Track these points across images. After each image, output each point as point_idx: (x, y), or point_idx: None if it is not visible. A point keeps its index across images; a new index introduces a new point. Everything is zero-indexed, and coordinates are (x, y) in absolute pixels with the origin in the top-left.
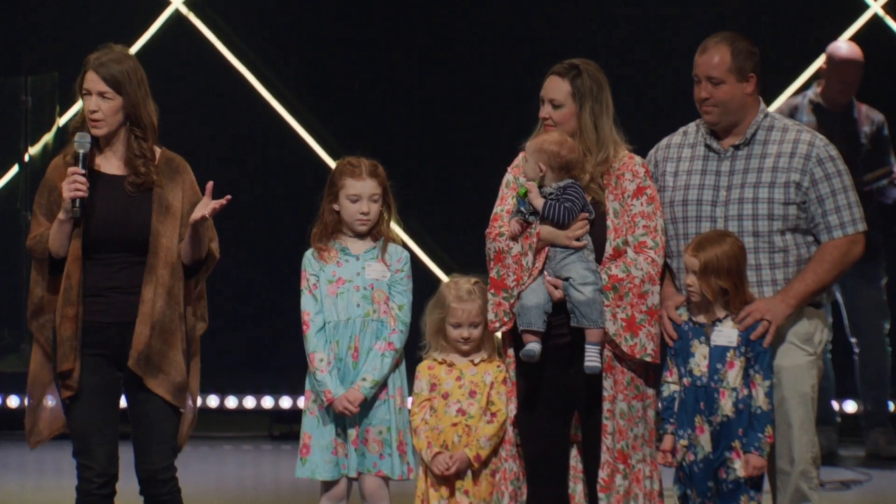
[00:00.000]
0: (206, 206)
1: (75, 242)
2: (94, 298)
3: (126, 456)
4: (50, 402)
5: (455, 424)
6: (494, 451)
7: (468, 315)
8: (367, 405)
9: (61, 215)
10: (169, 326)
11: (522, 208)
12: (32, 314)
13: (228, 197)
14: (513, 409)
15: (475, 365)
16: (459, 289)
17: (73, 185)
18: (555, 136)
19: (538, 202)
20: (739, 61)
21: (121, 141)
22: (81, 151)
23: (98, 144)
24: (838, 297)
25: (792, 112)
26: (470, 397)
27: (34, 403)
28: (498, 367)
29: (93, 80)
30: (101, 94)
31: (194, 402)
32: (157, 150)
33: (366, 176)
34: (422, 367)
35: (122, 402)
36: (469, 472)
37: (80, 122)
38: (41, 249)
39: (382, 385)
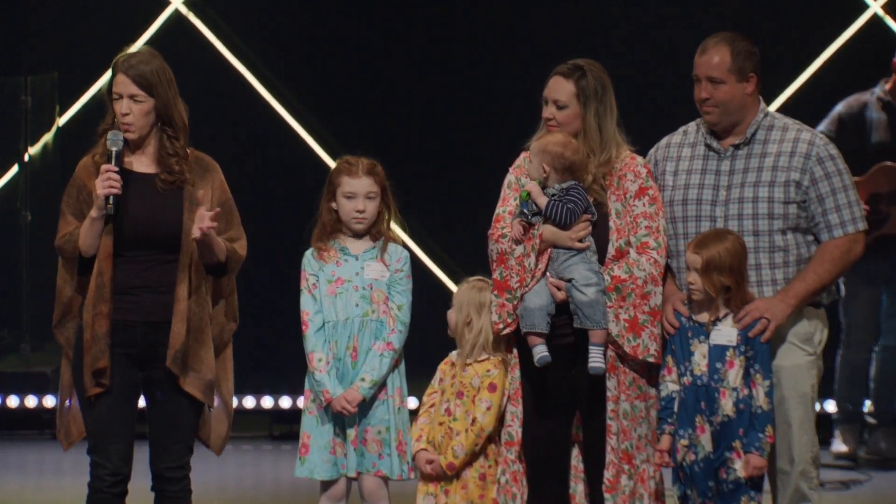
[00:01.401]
0: (201, 221)
1: (106, 240)
2: (122, 297)
3: (139, 453)
4: (78, 403)
5: (441, 424)
6: (473, 460)
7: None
8: (365, 405)
9: (94, 213)
10: (200, 325)
11: (525, 209)
12: (61, 315)
13: (218, 210)
14: (520, 411)
15: (468, 365)
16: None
17: (108, 182)
18: (559, 137)
19: (541, 201)
20: (739, 61)
21: (152, 140)
22: (114, 149)
23: (128, 144)
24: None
25: (861, 108)
26: (457, 398)
27: (65, 405)
28: (488, 371)
29: (123, 83)
30: (133, 97)
31: (228, 403)
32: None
33: (362, 174)
34: (442, 362)
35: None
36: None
37: (111, 124)
38: (71, 248)
39: (381, 385)
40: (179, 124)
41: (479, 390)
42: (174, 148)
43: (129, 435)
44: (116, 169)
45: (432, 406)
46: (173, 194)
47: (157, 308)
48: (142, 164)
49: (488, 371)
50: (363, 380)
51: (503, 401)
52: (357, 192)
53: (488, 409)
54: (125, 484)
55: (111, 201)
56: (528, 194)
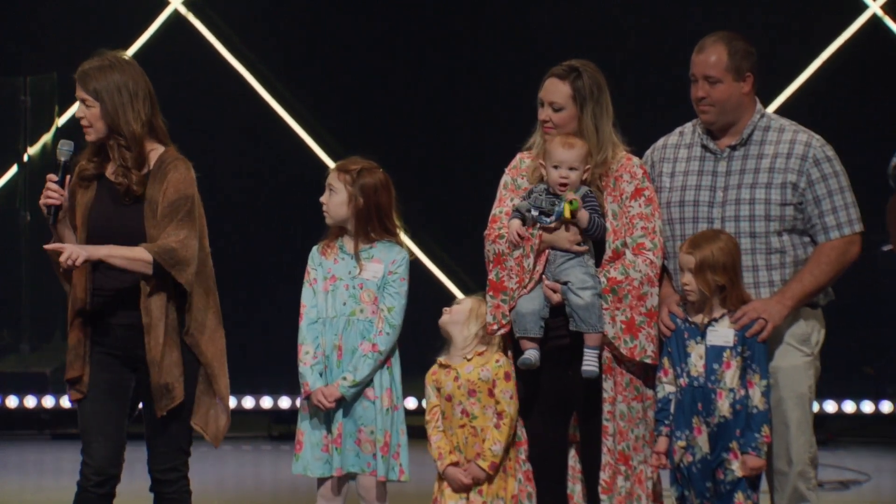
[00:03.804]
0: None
1: None
2: (103, 300)
3: (141, 453)
4: None
5: (462, 426)
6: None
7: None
8: (353, 406)
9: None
10: (166, 329)
11: (552, 214)
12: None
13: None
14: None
15: (469, 361)
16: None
17: (47, 192)
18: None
19: (583, 214)
20: (736, 60)
21: (112, 149)
22: (62, 159)
23: (106, 150)
24: None
25: None
26: (470, 397)
27: None
28: (497, 362)
29: (77, 88)
30: (83, 101)
31: (225, 398)
32: (159, 151)
33: (333, 169)
34: (427, 375)
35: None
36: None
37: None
38: (54, 254)
39: (367, 386)
40: (127, 133)
41: (494, 383)
42: (122, 157)
43: (115, 435)
44: (56, 179)
45: (439, 420)
46: (134, 205)
47: (132, 310)
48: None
49: (498, 361)
50: (344, 378)
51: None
52: (325, 185)
53: (511, 397)
54: (111, 485)
55: (51, 211)
56: (577, 206)
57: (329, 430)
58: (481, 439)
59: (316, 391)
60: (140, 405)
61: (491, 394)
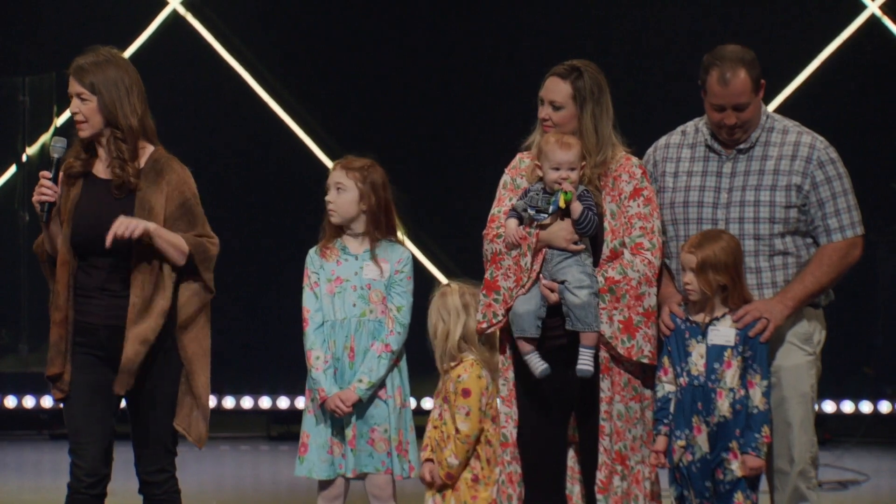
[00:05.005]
0: (118, 227)
1: (63, 247)
2: (85, 300)
3: (129, 454)
4: None
5: (436, 427)
6: (468, 464)
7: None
8: (367, 406)
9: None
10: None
11: (549, 208)
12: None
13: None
14: (514, 412)
15: (446, 372)
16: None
17: (40, 189)
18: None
19: (576, 206)
20: (754, 76)
21: (106, 143)
22: (56, 156)
23: (93, 147)
24: None
25: None
26: (444, 403)
27: None
28: (459, 377)
29: (72, 83)
30: (79, 96)
31: (201, 397)
32: (149, 150)
33: (337, 167)
34: None
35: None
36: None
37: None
38: (41, 252)
39: (381, 386)
40: (125, 127)
41: (456, 397)
42: (118, 150)
43: (104, 435)
44: (50, 176)
45: (437, 411)
46: (126, 200)
47: (115, 312)
48: (102, 168)
49: (459, 377)
50: (360, 381)
51: (482, 401)
52: (329, 184)
53: (467, 414)
54: (103, 485)
55: (45, 208)
56: (570, 197)
57: (337, 432)
58: (446, 446)
59: (333, 397)
60: (124, 402)
61: (456, 406)
